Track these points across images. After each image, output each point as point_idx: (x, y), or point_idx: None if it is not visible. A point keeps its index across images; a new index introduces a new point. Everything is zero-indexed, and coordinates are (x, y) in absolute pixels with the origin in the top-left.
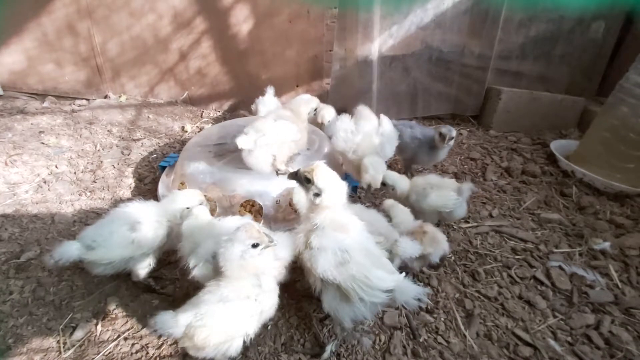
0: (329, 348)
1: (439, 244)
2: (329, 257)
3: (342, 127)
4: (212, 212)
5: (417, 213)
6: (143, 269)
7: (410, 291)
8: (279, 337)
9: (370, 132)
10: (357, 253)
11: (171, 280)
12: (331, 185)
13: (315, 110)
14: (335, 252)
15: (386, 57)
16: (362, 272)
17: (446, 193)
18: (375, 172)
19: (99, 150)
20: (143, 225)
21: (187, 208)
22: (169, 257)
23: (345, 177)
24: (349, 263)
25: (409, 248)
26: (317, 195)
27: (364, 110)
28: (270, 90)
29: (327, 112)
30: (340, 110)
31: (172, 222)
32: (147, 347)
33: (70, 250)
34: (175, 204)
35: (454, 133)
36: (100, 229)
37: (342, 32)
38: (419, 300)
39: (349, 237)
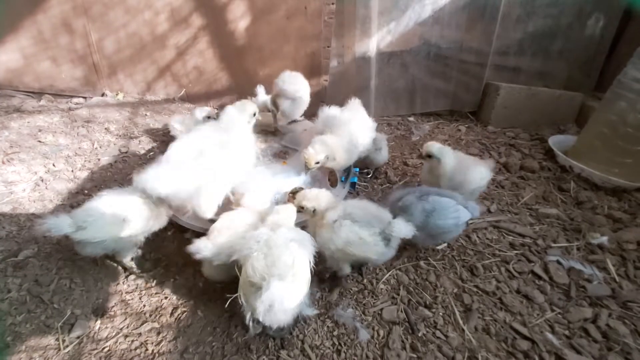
0: None
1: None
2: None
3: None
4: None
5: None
6: (129, 249)
7: None
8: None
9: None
10: None
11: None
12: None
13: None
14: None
15: (384, 54)
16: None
17: (484, 170)
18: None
19: (96, 149)
20: (132, 207)
21: None
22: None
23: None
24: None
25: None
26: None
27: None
28: (260, 90)
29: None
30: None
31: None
32: (146, 344)
33: (62, 224)
34: None
35: None
36: (91, 210)
37: (340, 28)
38: None
39: None
